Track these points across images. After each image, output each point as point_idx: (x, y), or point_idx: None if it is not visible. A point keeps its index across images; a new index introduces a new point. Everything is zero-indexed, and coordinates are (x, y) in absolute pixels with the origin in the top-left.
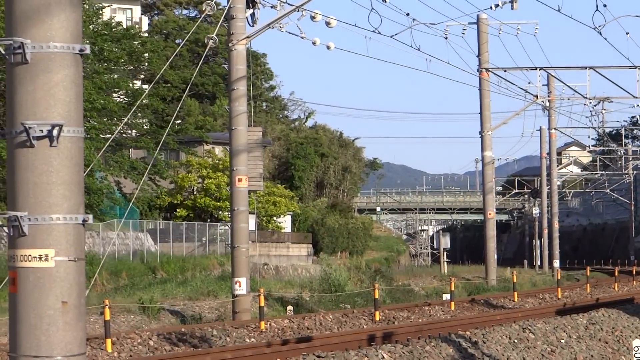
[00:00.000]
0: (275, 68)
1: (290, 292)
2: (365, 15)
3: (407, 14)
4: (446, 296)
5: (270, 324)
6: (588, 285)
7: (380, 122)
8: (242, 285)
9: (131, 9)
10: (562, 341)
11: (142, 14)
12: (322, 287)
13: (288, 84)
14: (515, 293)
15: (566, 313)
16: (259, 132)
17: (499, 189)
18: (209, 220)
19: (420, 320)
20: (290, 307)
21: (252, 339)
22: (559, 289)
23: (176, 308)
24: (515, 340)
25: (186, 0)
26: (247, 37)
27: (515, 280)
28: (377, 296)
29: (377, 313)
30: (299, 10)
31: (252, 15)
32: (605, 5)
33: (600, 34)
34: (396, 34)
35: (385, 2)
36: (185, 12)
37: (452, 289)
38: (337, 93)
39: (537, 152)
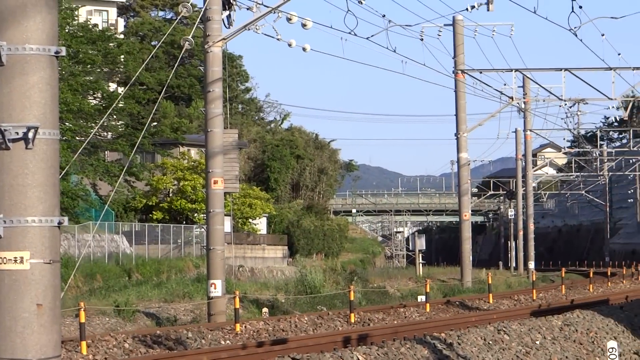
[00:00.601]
0: (251, 70)
1: (266, 294)
2: (341, 16)
3: (383, 16)
4: (421, 298)
5: (245, 326)
6: (563, 286)
7: (356, 124)
8: (217, 288)
9: (107, 11)
10: (537, 342)
11: (118, 16)
12: (297, 289)
13: (264, 86)
14: (491, 295)
15: (541, 314)
16: (235, 134)
17: (475, 190)
18: (184, 222)
19: (395, 322)
20: (265, 309)
21: (228, 341)
22: (534, 291)
23: (151, 310)
24: (490, 342)
25: (162, 2)
26: (223, 39)
27: (490, 282)
28: (352, 298)
29: (352, 315)
30: (275, 12)
31: (228, 17)
32: (580, 7)
33: (576, 36)
34: (372, 36)
35: (361, 3)
36: (161, 14)
37: (428, 290)
38: (313, 95)
39: (512, 153)
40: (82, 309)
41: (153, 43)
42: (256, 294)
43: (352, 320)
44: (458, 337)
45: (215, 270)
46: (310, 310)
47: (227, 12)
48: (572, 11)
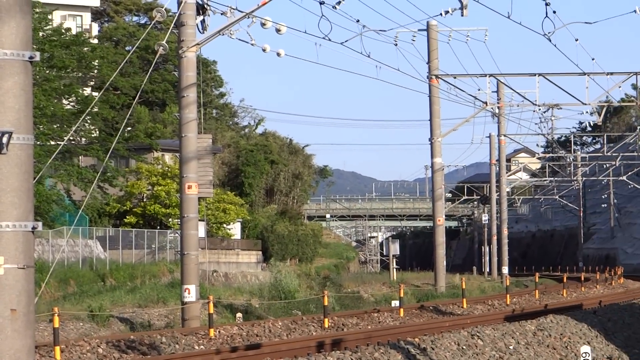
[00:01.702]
0: (226, 75)
1: (240, 299)
2: (316, 22)
3: (357, 21)
4: (395, 303)
5: (219, 331)
6: (537, 291)
7: (330, 129)
8: (191, 293)
9: (81, 16)
10: (511, 347)
11: (92, 21)
12: (271, 294)
13: (238, 91)
14: (464, 300)
15: (515, 319)
16: (209, 139)
17: (449, 195)
18: (158, 227)
19: (369, 327)
20: (239, 315)
21: (201, 346)
22: (508, 296)
23: (125, 315)
24: (464, 347)
25: (136, 7)
26: (198, 44)
27: (464, 287)
28: (326, 303)
29: (326, 320)
30: (249, 17)
31: (203, 22)
32: (555, 12)
33: (550, 41)
34: (346, 41)
35: (336, 8)
36: (135, 19)
37: (402, 295)
38: (288, 100)
39: (486, 158)
40: (56, 314)
41: (127, 48)
42: (230, 299)
43: (326, 325)
44: (432, 342)
45: (189, 275)
46: (284, 315)
47: (202, 17)
48: (547, 16)
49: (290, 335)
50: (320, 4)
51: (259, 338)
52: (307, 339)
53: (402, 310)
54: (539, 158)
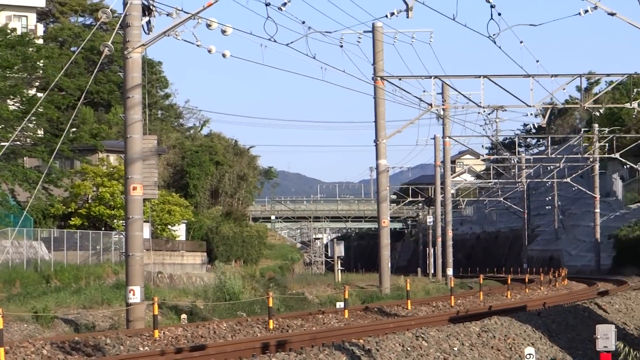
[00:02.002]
0: (171, 76)
1: (185, 300)
2: (261, 23)
3: (303, 22)
4: (340, 304)
5: (164, 333)
6: (481, 293)
7: (275, 130)
8: (136, 294)
9: (26, 17)
10: (455, 349)
11: (37, 21)
12: (216, 296)
13: (183, 92)
14: (409, 301)
15: (459, 321)
16: (154, 140)
17: (394, 197)
18: (103, 228)
19: (314, 329)
20: (184, 316)
21: (146, 348)
22: (452, 297)
23: (70, 317)
24: (409, 348)
25: (82, 8)
26: (143, 44)
27: (408, 289)
28: (271, 304)
29: (271, 321)
30: (194, 18)
31: (148, 23)
32: (500, 14)
33: (495, 43)
34: (292, 42)
35: (281, 10)
36: (81, 19)
37: (346, 297)
38: (233, 101)
39: (431, 160)
40: (0, 316)
41: (72, 49)
42: (175, 300)
43: (271, 327)
44: (376, 344)
45: (134, 276)
46: (229, 316)
47: (147, 18)
48: (492, 18)
49: (235, 337)
50: (266, 5)
51: (204, 339)
52: (252, 340)
53: (346, 311)
54: (483, 160)
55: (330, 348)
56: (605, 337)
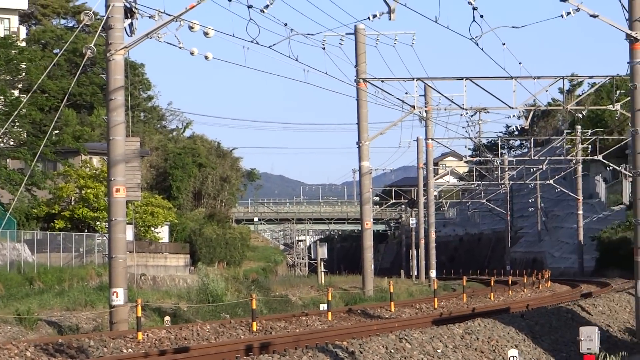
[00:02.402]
0: (154, 78)
1: (168, 302)
2: (244, 25)
3: (285, 25)
4: (323, 306)
5: (147, 335)
6: (464, 295)
7: (258, 132)
8: (119, 296)
9: (9, 19)
10: (439, 351)
11: (19, 24)
12: (199, 298)
13: (166, 94)
14: (392, 303)
15: (443, 323)
16: (137, 143)
17: (377, 199)
18: (86, 230)
19: (297, 331)
20: (167, 318)
21: (130, 350)
22: (436, 299)
23: (53, 319)
24: (392, 350)
25: (64, 10)
26: (125, 47)
27: (392, 291)
28: (254, 307)
29: (254, 323)
30: (177, 21)
31: (131, 25)
32: (482, 16)
33: (477, 45)
34: (274, 45)
35: (264, 12)
36: (63, 22)
37: (330, 299)
38: (215, 103)
39: (414, 162)
40: None
41: (55, 51)
42: (158, 303)
43: (255, 329)
44: (360, 346)
45: (117, 278)
46: (212, 318)
47: (129, 21)
48: (474, 20)
49: (218, 339)
50: (248, 7)
51: (188, 341)
52: (235, 342)
53: (330, 313)
54: (466, 162)
55: (313, 350)
56: (589, 339)
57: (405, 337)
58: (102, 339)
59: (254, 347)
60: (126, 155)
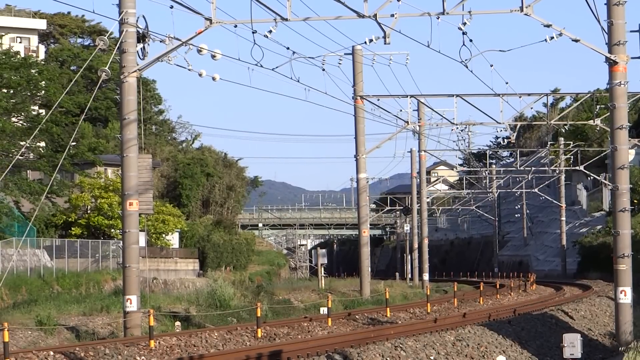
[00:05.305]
0: (164, 93)
1: (179, 307)
2: (249, 49)
3: (287, 48)
4: (324, 310)
5: (159, 342)
6: (455, 299)
7: (262, 143)
8: (132, 303)
9: (29, 38)
10: (432, 358)
11: (39, 43)
12: (208, 302)
13: (176, 108)
14: (388, 308)
15: (435, 330)
16: (149, 159)
17: (373, 206)
18: (102, 237)
19: (299, 337)
20: (178, 323)
21: (142, 357)
22: (429, 304)
23: (71, 324)
24: (388, 358)
25: (81, 30)
26: (138, 69)
27: (387, 297)
28: (259, 314)
29: (259, 330)
30: (186, 45)
31: (143, 49)
32: (471, 41)
33: (467, 67)
34: (277, 67)
35: (267, 37)
36: (80, 40)
37: (329, 306)
38: (222, 117)
39: (408, 169)
40: (6, 329)
41: (72, 68)
42: (169, 307)
43: (259, 335)
44: (358, 355)
45: (131, 286)
46: (220, 322)
47: (142, 45)
48: (463, 44)
49: (225, 346)
50: (253, 32)
51: (197, 348)
52: (244, 350)
53: (330, 319)
54: (457, 171)
55: (317, 357)
56: (572, 345)
57: (400, 345)
58: (116, 347)
59: (263, 356)
60: (139, 170)
